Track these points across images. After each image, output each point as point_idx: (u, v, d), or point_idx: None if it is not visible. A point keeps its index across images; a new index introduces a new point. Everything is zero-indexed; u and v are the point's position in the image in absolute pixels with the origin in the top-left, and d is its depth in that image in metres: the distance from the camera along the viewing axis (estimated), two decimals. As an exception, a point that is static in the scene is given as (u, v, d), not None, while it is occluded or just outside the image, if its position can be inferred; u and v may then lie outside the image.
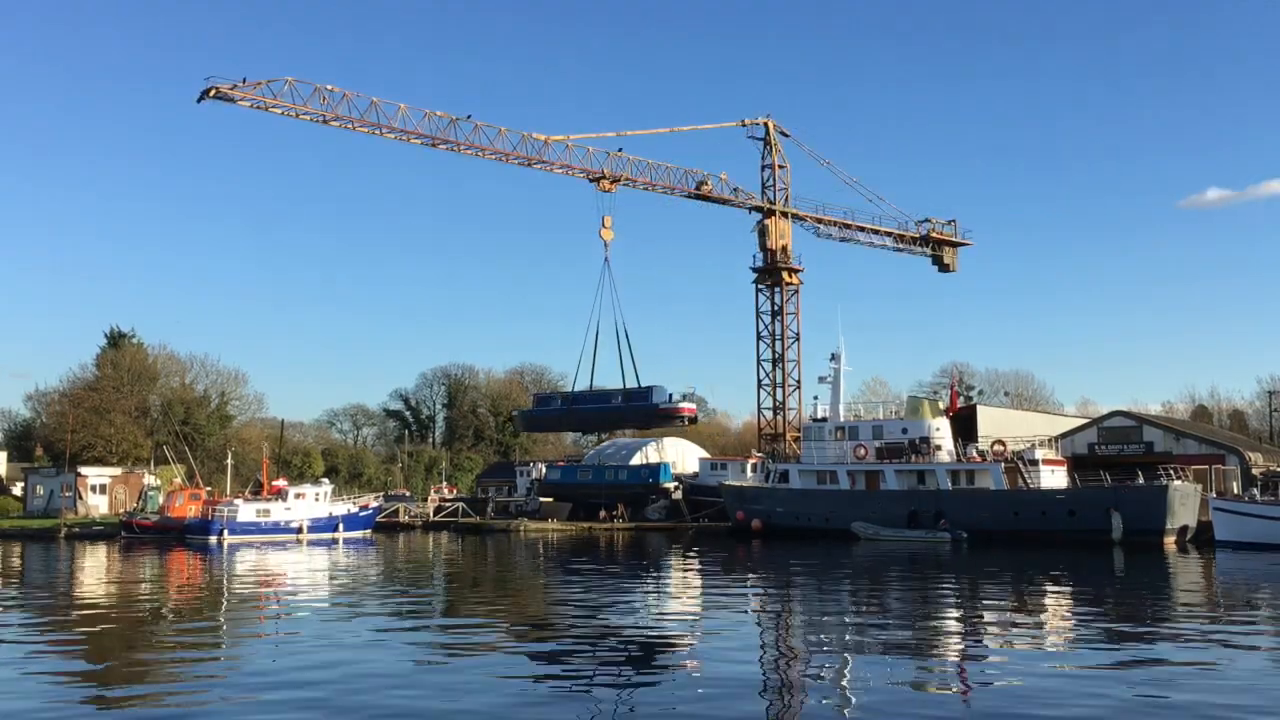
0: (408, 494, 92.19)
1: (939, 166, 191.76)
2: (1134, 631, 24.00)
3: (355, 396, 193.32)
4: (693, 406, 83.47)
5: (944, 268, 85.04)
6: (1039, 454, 57.85)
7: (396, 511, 74.31)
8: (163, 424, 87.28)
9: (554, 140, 70.62)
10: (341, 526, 63.97)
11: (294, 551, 53.10)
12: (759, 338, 79.80)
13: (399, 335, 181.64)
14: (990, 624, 25.86)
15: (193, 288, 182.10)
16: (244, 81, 59.32)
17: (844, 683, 17.97)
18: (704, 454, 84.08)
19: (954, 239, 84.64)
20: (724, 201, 77.49)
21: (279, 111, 61.43)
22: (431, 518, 75.03)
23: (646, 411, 79.49)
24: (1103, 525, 52.34)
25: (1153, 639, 22.86)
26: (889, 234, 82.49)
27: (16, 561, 47.89)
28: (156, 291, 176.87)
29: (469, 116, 66.75)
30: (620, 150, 73.09)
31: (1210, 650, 21.01)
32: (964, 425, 65.92)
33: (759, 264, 79.42)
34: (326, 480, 76.93)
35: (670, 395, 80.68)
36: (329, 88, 62.18)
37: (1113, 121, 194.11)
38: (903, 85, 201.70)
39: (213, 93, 58.81)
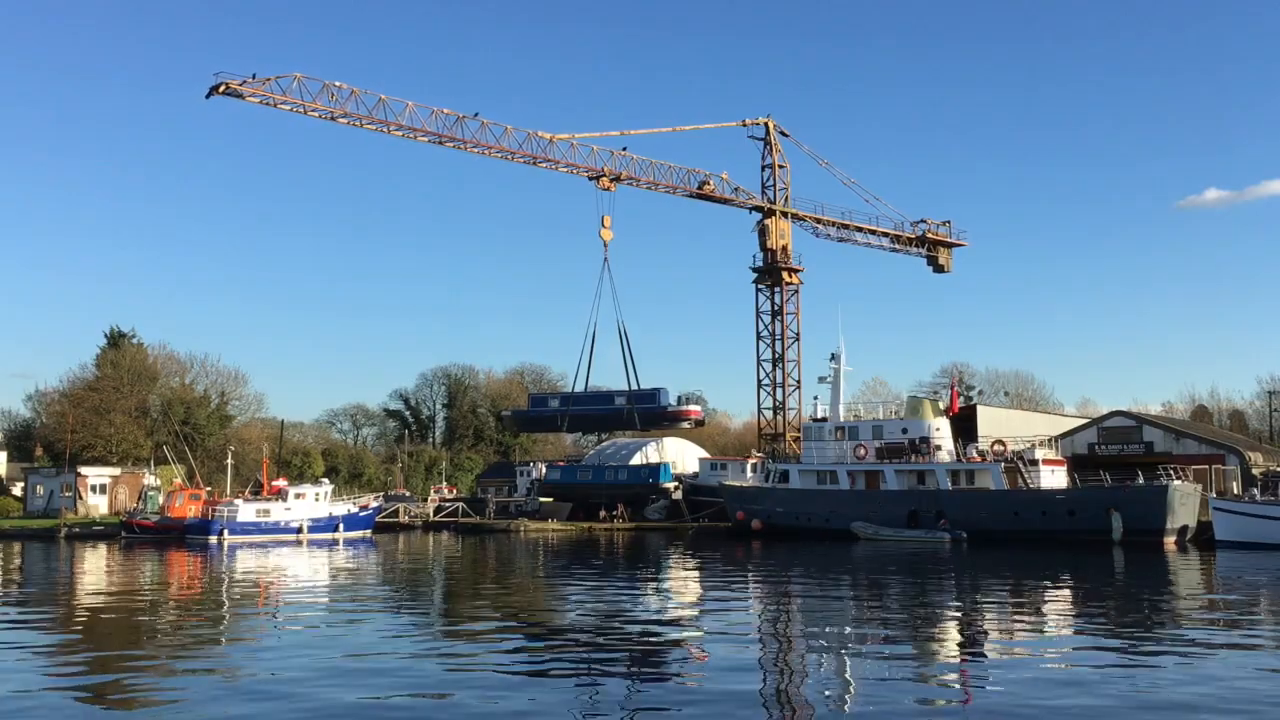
0: (408, 494, 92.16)
1: (937, 167, 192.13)
2: (1134, 631, 24.00)
3: (355, 396, 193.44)
4: (698, 409, 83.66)
5: (939, 268, 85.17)
6: (1039, 454, 57.87)
7: (396, 512, 74.30)
8: (163, 424, 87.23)
9: (559, 139, 70.72)
10: (341, 526, 63.96)
11: (294, 552, 53.10)
12: (759, 338, 79.90)
13: (399, 335, 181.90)
14: (990, 624, 25.90)
15: (193, 288, 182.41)
16: (253, 77, 59.43)
17: (844, 682, 17.98)
18: (704, 454, 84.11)
19: (949, 240, 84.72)
20: (725, 201, 77.55)
21: (287, 108, 61.45)
22: (431, 518, 75.04)
23: (653, 414, 79.79)
24: (1103, 525, 52.35)
25: (1152, 639, 22.86)
26: (885, 234, 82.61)
27: (16, 561, 47.88)
28: (156, 291, 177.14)
29: (476, 114, 66.87)
30: (624, 149, 73.24)
31: (1210, 650, 21.01)
32: (964, 425, 65.95)
33: (759, 264, 79.47)
34: (326, 480, 76.88)
35: (679, 397, 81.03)
36: (337, 84, 62.27)
37: (1112, 121, 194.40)
38: (901, 86, 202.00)
39: (222, 89, 58.88)
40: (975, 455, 58.87)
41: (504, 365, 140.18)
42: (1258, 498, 52.77)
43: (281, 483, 67.76)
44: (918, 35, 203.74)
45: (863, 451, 60.42)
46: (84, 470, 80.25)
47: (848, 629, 24.57)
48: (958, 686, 18.07)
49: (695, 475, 75.94)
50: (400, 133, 64.72)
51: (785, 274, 78.82)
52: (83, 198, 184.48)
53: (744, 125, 79.69)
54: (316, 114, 62.31)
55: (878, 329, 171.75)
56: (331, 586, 36.05)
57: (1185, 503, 53.32)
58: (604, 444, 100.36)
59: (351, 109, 62.79)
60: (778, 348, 79.26)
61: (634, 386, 78.11)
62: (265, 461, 75.52)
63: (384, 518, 71.54)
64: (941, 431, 60.04)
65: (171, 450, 74.12)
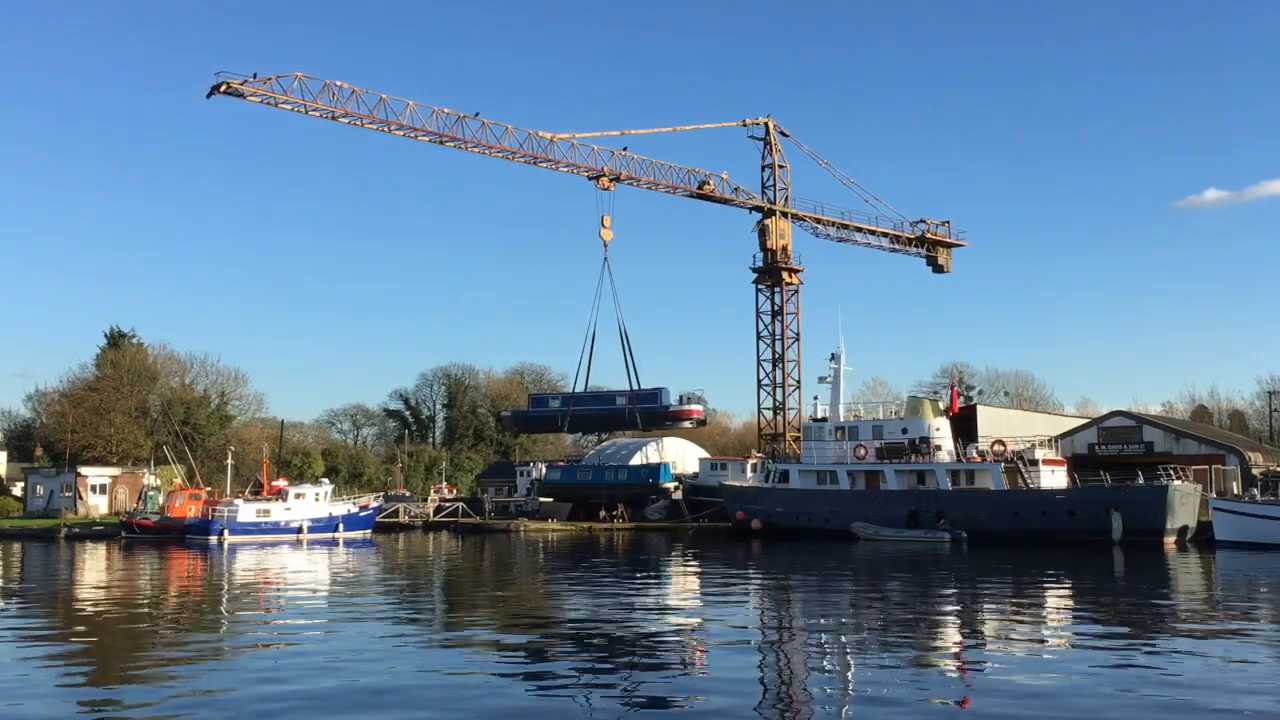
0: (408, 494, 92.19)
1: (937, 167, 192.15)
2: (1134, 631, 24.00)
3: (355, 396, 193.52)
4: (700, 409, 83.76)
5: (938, 268, 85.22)
6: (1039, 454, 57.88)
7: (396, 512, 74.31)
8: (163, 424, 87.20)
9: (559, 139, 70.74)
10: (341, 527, 63.96)
11: (294, 552, 53.11)
12: (759, 338, 79.94)
13: (399, 335, 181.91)
14: (990, 624, 25.89)
15: (193, 288, 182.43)
16: (254, 77, 59.42)
17: (844, 683, 17.99)
18: (704, 454, 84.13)
19: (948, 240, 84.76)
20: (725, 201, 77.59)
21: (288, 108, 61.42)
22: (431, 518, 75.04)
23: (655, 414, 79.84)
24: (1103, 525, 52.36)
25: (1152, 639, 22.87)
26: (885, 234, 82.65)
27: (16, 561, 47.88)
28: (156, 291, 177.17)
29: (476, 114, 66.92)
30: (625, 149, 73.25)
31: (1210, 650, 21.00)
32: (964, 425, 65.95)
33: (759, 264, 79.51)
34: (326, 480, 76.88)
35: (680, 397, 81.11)
36: (338, 84, 62.27)
37: (1112, 121, 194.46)
38: (901, 86, 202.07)
39: (224, 88, 58.88)
40: (975, 455, 58.88)
41: (504, 365, 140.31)
42: (1258, 498, 52.79)
43: (281, 483, 67.76)
44: (918, 35, 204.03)
45: (863, 451, 60.42)
46: (84, 470, 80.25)
47: (848, 629, 24.57)
48: (958, 686, 18.06)
49: (695, 475, 75.94)
50: (401, 132, 64.75)
51: (785, 274, 78.84)
52: (83, 198, 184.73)
53: (744, 125, 79.74)
54: (317, 113, 62.34)
55: (878, 329, 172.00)
56: (331, 586, 36.04)
57: (1185, 503, 53.33)
58: (604, 444, 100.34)
59: (352, 109, 62.82)
60: (778, 348, 79.29)
61: (635, 386, 78.19)
62: (265, 461, 75.51)
63: (384, 518, 71.56)
64: (941, 431, 60.04)
65: (171, 450, 74.11)
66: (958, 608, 29.05)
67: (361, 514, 67.19)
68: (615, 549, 53.90)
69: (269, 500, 64.17)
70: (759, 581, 37.32)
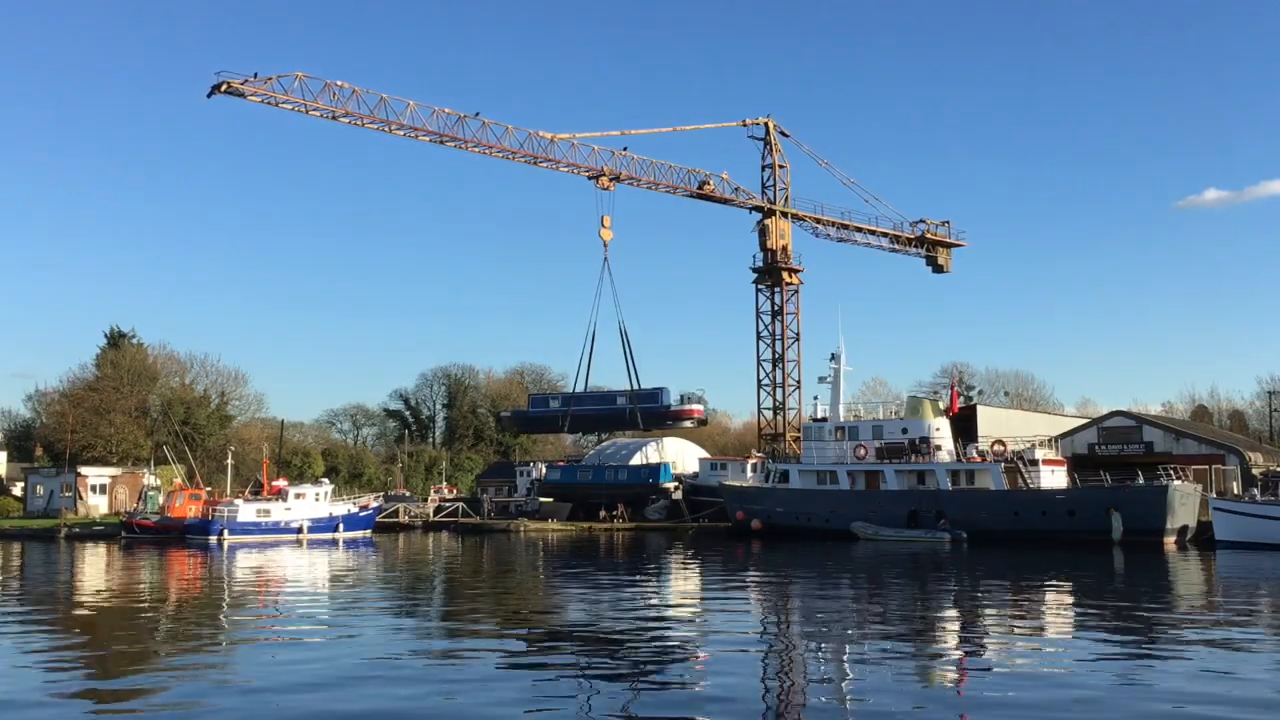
0: (408, 494, 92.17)
1: (937, 167, 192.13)
2: (1134, 632, 24.00)
3: (355, 396, 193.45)
4: (700, 408, 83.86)
5: (938, 268, 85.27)
6: (1039, 454, 57.89)
7: (396, 512, 74.32)
8: (163, 424, 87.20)
9: (559, 139, 70.76)
10: (341, 526, 63.98)
11: (294, 552, 53.11)
12: (759, 338, 79.96)
13: (399, 335, 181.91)
14: (990, 624, 25.89)
15: (193, 288, 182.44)
16: (255, 76, 59.43)
17: (844, 683, 17.99)
18: (704, 454, 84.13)
19: (948, 240, 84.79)
20: (725, 201, 77.61)
21: (289, 107, 61.41)
22: (431, 518, 75.06)
23: (656, 413, 79.88)
24: (1103, 525, 52.36)
25: (1152, 639, 22.86)
26: (885, 234, 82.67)
27: (16, 561, 47.87)
28: (156, 291, 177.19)
29: (477, 114, 66.97)
30: (625, 149, 73.27)
31: (1210, 650, 21.01)
32: (964, 425, 65.94)
33: (759, 264, 79.53)
34: (326, 480, 76.87)
35: (681, 397, 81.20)
36: (338, 84, 62.28)
37: (1112, 121, 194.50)
38: (901, 86, 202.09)
39: (224, 88, 58.89)
40: (975, 455, 58.88)
41: (504, 365, 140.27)
42: (1258, 498, 52.79)
43: (281, 483, 67.77)
44: (918, 35, 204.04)
45: (863, 451, 60.42)
46: (84, 470, 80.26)
47: (848, 629, 24.57)
48: (958, 686, 18.06)
49: (695, 475, 75.94)
50: (402, 132, 64.77)
51: (785, 274, 78.86)
52: (83, 198, 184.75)
53: (744, 125, 79.76)
54: (318, 113, 62.37)
55: (878, 329, 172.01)
56: (331, 587, 36.04)
57: (1185, 503, 53.33)
58: (604, 444, 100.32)
59: (353, 108, 62.83)
60: (778, 348, 79.30)
61: (635, 386, 78.23)
62: (265, 461, 75.51)
63: (384, 518, 71.56)
64: (941, 431, 60.04)
65: (171, 450, 74.12)
66: (958, 608, 29.04)
67: (361, 514, 67.20)
68: (615, 549, 53.89)
69: (269, 500, 64.18)
70: (759, 581, 37.32)
